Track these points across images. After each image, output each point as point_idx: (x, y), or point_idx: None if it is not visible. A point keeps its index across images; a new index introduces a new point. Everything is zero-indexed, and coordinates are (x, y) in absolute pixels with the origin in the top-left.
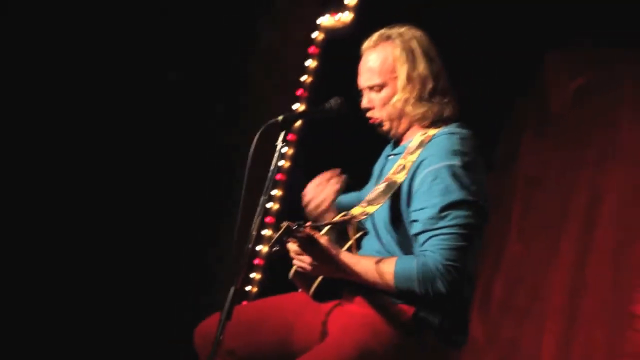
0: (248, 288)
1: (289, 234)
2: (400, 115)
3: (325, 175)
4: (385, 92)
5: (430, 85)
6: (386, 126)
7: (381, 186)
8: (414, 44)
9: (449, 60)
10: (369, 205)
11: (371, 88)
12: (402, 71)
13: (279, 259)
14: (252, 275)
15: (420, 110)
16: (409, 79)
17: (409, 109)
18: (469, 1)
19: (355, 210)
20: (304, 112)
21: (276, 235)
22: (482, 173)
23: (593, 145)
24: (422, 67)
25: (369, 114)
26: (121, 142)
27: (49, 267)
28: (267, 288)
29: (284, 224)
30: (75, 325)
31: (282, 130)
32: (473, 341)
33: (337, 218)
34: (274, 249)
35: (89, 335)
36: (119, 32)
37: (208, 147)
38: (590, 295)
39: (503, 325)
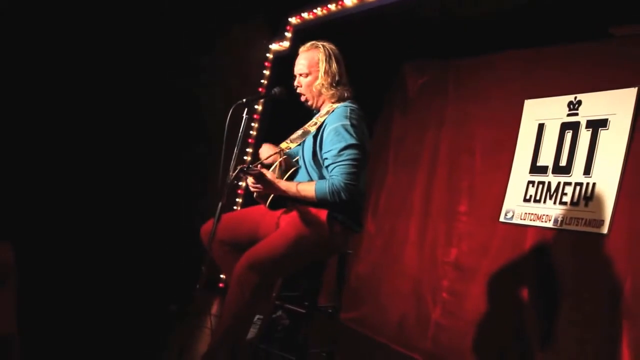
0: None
1: (242, 171)
2: (319, 94)
3: (269, 145)
4: (310, 78)
5: (337, 78)
6: (309, 101)
7: (299, 131)
8: (331, 52)
9: (352, 66)
10: (291, 142)
11: (301, 75)
12: (322, 67)
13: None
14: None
15: (331, 92)
16: (326, 72)
17: (324, 90)
18: (363, 32)
19: (283, 144)
20: (258, 95)
21: (234, 172)
22: (364, 129)
23: (432, 116)
24: (334, 66)
25: (298, 92)
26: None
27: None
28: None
29: (238, 167)
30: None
31: (245, 108)
32: (368, 233)
33: (272, 153)
34: (235, 181)
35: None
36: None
37: (201, 126)
38: (434, 201)
39: (385, 221)
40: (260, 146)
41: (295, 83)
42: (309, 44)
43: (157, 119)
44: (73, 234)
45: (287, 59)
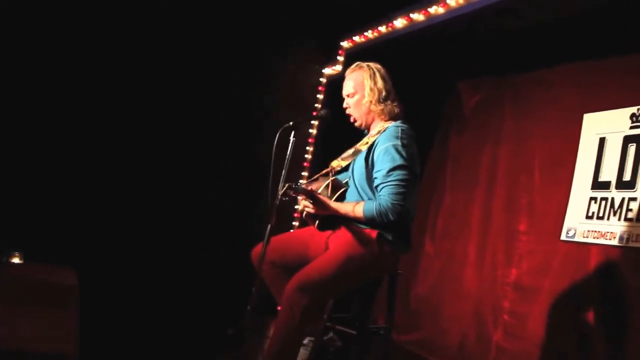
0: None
1: (290, 188)
2: (368, 112)
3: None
4: (357, 97)
5: (384, 94)
6: (358, 121)
7: (351, 150)
8: (375, 70)
9: (405, 87)
10: (342, 160)
11: (348, 95)
12: (367, 84)
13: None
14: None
15: (380, 107)
16: (371, 89)
17: (372, 107)
18: (415, 52)
19: (334, 163)
20: (305, 117)
21: (282, 190)
22: (414, 150)
23: (489, 133)
24: (380, 83)
25: (348, 113)
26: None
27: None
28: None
29: (287, 184)
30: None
31: (292, 131)
32: (427, 254)
33: (324, 170)
34: (283, 198)
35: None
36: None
37: (254, 151)
38: (493, 221)
39: (443, 242)
40: (315, 170)
41: (344, 105)
42: (353, 65)
43: (212, 143)
44: (130, 257)
45: (339, 82)
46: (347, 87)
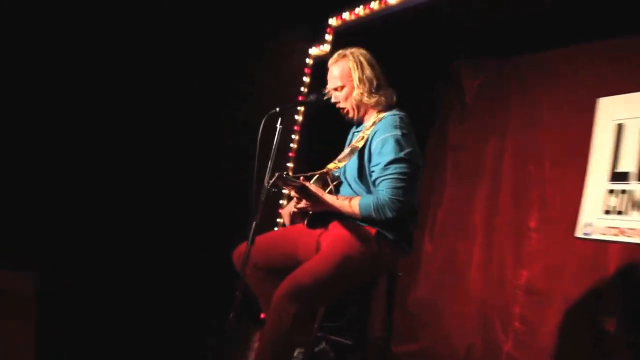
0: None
1: (281, 178)
2: (359, 104)
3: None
4: (345, 91)
5: (375, 83)
6: (350, 114)
7: (347, 150)
8: (361, 58)
9: (400, 68)
10: (339, 162)
11: (336, 89)
12: (355, 76)
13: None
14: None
15: (373, 99)
16: (360, 80)
17: (365, 99)
18: (409, 30)
19: (330, 165)
20: (294, 103)
21: (271, 181)
22: (413, 140)
23: (493, 122)
24: (368, 71)
25: (339, 106)
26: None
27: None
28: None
29: (277, 173)
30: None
31: (279, 117)
32: (426, 254)
33: (318, 171)
34: (272, 190)
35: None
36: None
37: (237, 141)
38: (500, 216)
39: (444, 241)
40: (301, 160)
41: (333, 99)
42: (335, 55)
43: (188, 132)
44: (99, 263)
45: (327, 64)
46: (333, 80)
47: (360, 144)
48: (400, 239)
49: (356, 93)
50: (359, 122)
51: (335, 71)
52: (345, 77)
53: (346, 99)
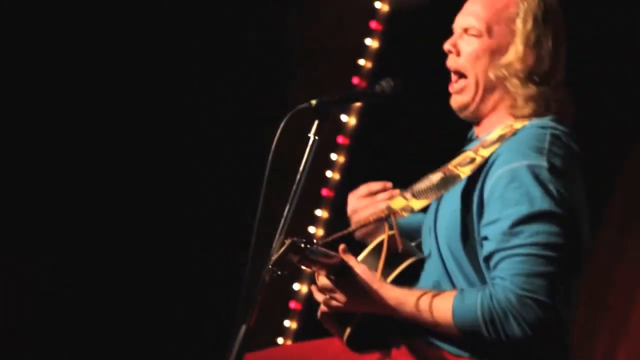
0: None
1: (294, 248)
2: (494, 87)
3: (372, 186)
4: (484, 43)
5: (548, 64)
6: (465, 97)
7: (435, 176)
8: (548, 7)
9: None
10: (415, 198)
11: (466, 30)
12: (523, 31)
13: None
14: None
15: (524, 91)
16: (527, 43)
17: (510, 85)
18: None
19: (396, 203)
20: (345, 95)
21: (276, 255)
22: (576, 183)
23: None
24: (550, 41)
25: (449, 66)
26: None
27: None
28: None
29: (288, 240)
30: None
31: (316, 119)
32: None
33: (368, 215)
34: (276, 273)
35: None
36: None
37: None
38: None
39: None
40: (345, 198)
41: (447, 46)
42: None
43: (192, 131)
44: (99, 263)
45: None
46: (476, 9)
47: (464, 172)
48: None
49: (505, 61)
50: (473, 127)
51: (484, 1)
52: (502, 20)
53: (476, 59)
